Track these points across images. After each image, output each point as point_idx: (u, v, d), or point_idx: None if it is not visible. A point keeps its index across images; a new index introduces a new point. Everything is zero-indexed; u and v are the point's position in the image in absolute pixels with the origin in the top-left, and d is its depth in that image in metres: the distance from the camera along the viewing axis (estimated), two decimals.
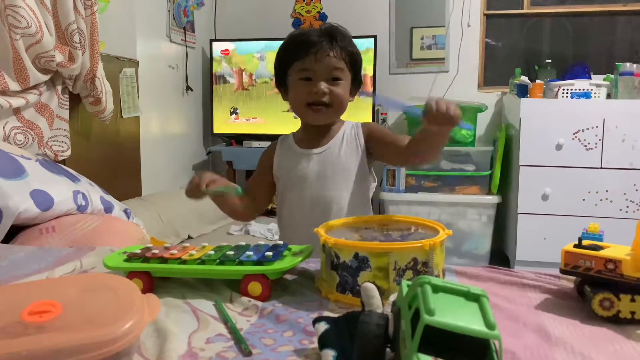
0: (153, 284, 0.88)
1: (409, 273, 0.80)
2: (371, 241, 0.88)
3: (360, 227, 0.98)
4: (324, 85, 1.19)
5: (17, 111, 1.81)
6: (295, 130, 1.35)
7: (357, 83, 1.27)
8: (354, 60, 1.24)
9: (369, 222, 1.01)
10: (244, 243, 0.97)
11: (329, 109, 1.22)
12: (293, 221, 1.28)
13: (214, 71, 3.36)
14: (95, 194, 1.75)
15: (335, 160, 1.25)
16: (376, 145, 1.27)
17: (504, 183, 2.99)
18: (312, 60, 1.19)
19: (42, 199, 1.50)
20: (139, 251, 0.93)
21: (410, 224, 0.97)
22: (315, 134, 1.29)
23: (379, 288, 0.65)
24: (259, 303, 0.81)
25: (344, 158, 1.26)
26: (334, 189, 1.24)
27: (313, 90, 1.19)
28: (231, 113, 3.36)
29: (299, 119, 1.32)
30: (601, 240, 0.85)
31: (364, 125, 1.31)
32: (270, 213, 3.07)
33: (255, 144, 3.23)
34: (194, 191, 1.13)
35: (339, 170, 1.25)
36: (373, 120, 3.15)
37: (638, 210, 2.65)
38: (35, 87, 1.84)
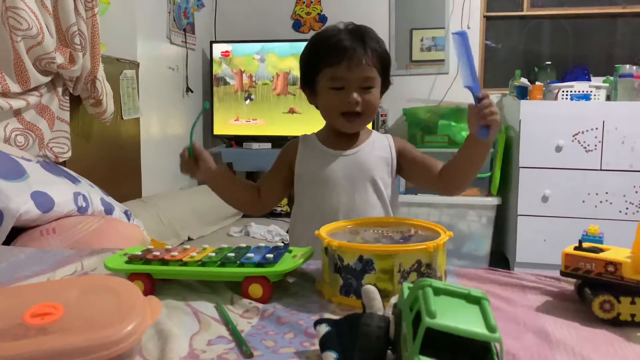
0: (154, 285, 0.88)
1: (413, 275, 0.80)
2: (373, 243, 0.88)
3: (359, 229, 0.98)
4: (356, 95, 1.17)
5: (17, 113, 1.81)
6: (316, 131, 1.32)
7: (386, 83, 1.24)
8: (384, 63, 1.20)
9: (369, 224, 1.01)
10: (244, 245, 0.97)
11: (361, 117, 1.20)
12: (313, 223, 1.19)
13: (214, 73, 3.36)
14: (95, 196, 1.75)
15: (363, 165, 1.23)
16: (407, 164, 1.26)
17: (504, 185, 2.99)
18: (345, 69, 1.15)
19: (42, 200, 1.51)
20: (139, 253, 0.93)
21: (409, 226, 0.97)
22: (344, 136, 1.26)
23: (383, 290, 0.65)
24: (260, 305, 0.81)
25: (373, 165, 1.23)
26: (359, 193, 1.22)
27: (346, 100, 1.17)
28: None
29: (320, 120, 1.30)
30: (601, 242, 0.85)
31: (396, 139, 1.29)
32: (271, 215, 3.07)
33: (255, 145, 3.24)
34: (185, 161, 1.16)
35: (367, 175, 1.22)
36: (373, 121, 3.15)
37: (638, 212, 2.65)
38: (35, 88, 1.84)
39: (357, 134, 1.27)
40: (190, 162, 1.16)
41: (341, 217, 1.17)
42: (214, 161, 1.20)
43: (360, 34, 1.18)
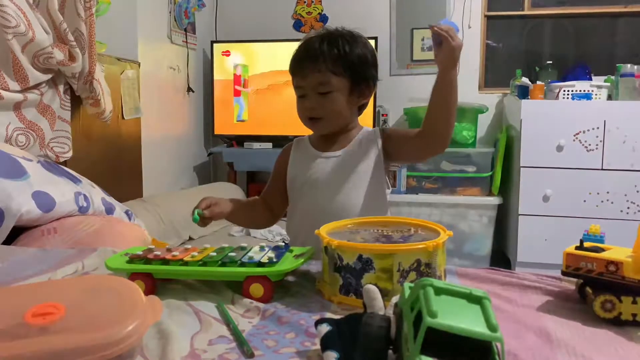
0: (155, 285, 0.88)
1: (413, 274, 0.80)
2: (373, 243, 0.88)
3: (360, 228, 0.98)
4: (309, 103, 1.23)
5: (19, 112, 1.81)
6: (311, 133, 1.35)
7: (362, 84, 1.25)
8: (350, 65, 1.22)
9: (369, 223, 1.01)
10: (245, 244, 0.97)
11: (325, 120, 1.24)
12: (305, 225, 1.25)
13: (214, 72, 3.36)
14: (96, 196, 1.75)
15: (351, 165, 1.25)
16: (393, 145, 1.28)
17: (505, 184, 2.99)
18: (300, 78, 1.23)
19: (43, 200, 1.51)
20: (140, 252, 0.93)
21: (409, 225, 0.97)
22: (332, 138, 1.29)
23: (383, 289, 0.65)
24: (261, 305, 0.81)
25: (361, 162, 1.25)
26: (349, 193, 1.23)
27: (304, 106, 1.24)
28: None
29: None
30: (602, 241, 0.85)
31: (382, 129, 1.32)
32: None
33: (256, 145, 3.23)
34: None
35: (355, 174, 1.24)
36: (373, 120, 3.15)
37: (639, 211, 2.65)
38: (35, 87, 1.84)
39: (346, 135, 1.29)
40: (205, 221, 1.22)
41: (331, 216, 1.18)
42: (222, 203, 1.24)
43: (322, 40, 1.22)
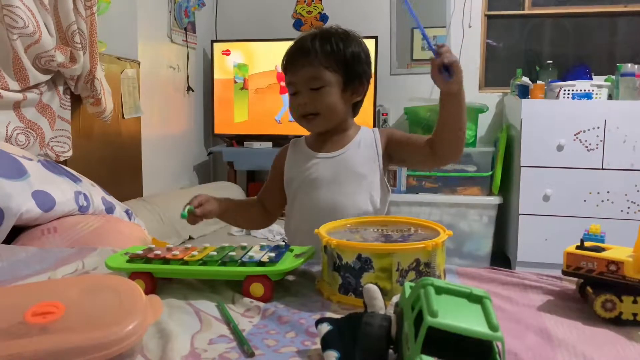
0: (155, 284, 0.88)
1: (412, 274, 0.80)
2: (372, 242, 0.88)
3: (359, 228, 0.98)
4: (302, 99, 1.21)
5: (18, 111, 1.81)
6: (307, 134, 1.34)
7: (355, 81, 1.24)
8: (343, 60, 1.21)
9: (369, 223, 1.01)
10: (245, 244, 0.97)
11: (319, 116, 1.22)
12: (303, 226, 1.24)
13: (214, 72, 3.36)
14: (96, 195, 1.75)
15: (349, 165, 1.23)
16: (397, 149, 1.26)
17: (505, 184, 2.99)
18: (292, 74, 1.22)
19: (43, 199, 1.50)
20: (141, 252, 0.93)
21: (409, 225, 0.97)
22: (328, 138, 1.27)
23: (382, 289, 0.65)
24: (261, 304, 0.81)
25: (359, 164, 1.24)
26: (346, 194, 1.22)
27: (297, 103, 1.23)
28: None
29: None
30: (603, 241, 0.85)
31: (382, 131, 1.30)
32: None
33: (256, 144, 3.23)
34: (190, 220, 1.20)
35: (353, 175, 1.23)
36: (373, 119, 3.15)
37: (639, 211, 2.65)
38: (35, 86, 1.84)
39: (343, 135, 1.28)
40: (195, 218, 1.20)
41: (327, 217, 1.16)
42: (214, 201, 1.23)
43: (315, 37, 1.21)
